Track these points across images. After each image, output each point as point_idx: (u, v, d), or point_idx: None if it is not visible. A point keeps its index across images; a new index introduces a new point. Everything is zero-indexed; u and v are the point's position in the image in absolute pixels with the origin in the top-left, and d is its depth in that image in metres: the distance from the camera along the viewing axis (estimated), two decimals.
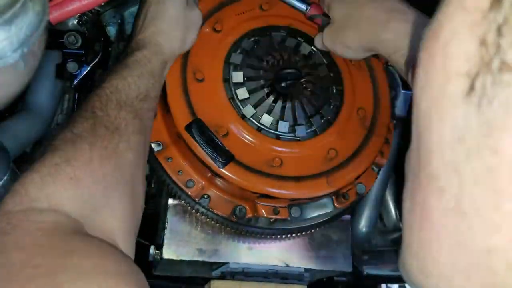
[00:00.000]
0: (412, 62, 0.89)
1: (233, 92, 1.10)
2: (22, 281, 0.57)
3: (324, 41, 1.09)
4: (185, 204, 1.10)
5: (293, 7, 1.13)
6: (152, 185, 1.64)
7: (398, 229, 1.59)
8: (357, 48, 1.03)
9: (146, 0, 1.00)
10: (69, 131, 0.77)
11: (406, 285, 2.12)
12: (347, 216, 1.22)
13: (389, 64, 1.21)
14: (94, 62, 1.29)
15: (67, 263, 0.60)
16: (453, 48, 0.33)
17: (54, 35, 1.23)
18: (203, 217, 1.11)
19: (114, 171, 0.77)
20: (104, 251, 0.66)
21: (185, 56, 1.09)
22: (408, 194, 0.42)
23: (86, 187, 0.73)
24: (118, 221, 0.75)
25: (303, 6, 1.13)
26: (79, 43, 1.25)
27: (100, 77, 0.93)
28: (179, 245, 1.11)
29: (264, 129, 1.09)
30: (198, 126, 1.03)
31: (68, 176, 0.71)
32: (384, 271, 1.59)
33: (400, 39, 0.91)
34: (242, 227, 1.11)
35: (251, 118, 1.09)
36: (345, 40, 1.04)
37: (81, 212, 0.70)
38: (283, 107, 1.11)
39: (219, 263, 1.16)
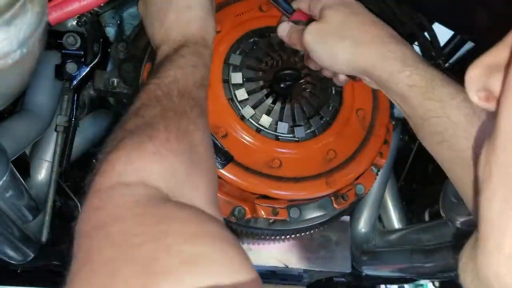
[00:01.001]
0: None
1: (232, 93, 1.10)
2: (127, 250, 0.57)
3: (304, 36, 0.94)
4: None
5: (278, 8, 1.04)
6: None
7: (397, 230, 1.59)
8: (346, 61, 0.93)
9: None
10: (140, 118, 0.79)
11: (405, 285, 2.12)
12: (346, 217, 1.22)
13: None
14: (93, 63, 1.29)
15: (170, 229, 0.60)
16: None
17: (53, 36, 1.23)
18: None
19: (190, 149, 0.78)
20: (203, 217, 0.66)
21: None
22: (497, 194, 0.40)
23: (170, 163, 0.73)
24: (202, 195, 0.76)
25: (289, 9, 1.02)
26: (78, 44, 1.25)
27: (151, 72, 0.92)
28: None
29: (263, 130, 1.09)
30: None
31: (152, 151, 0.72)
32: (383, 272, 1.60)
33: (407, 59, 0.87)
34: (241, 227, 1.11)
35: (250, 119, 1.09)
36: (335, 48, 0.93)
37: (167, 186, 0.70)
38: (282, 108, 1.11)
39: None
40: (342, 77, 0.99)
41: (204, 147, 0.83)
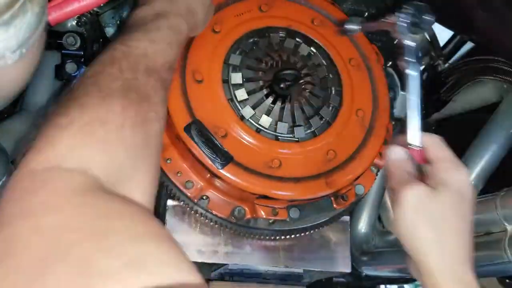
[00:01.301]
0: None
1: (232, 93, 1.09)
2: (63, 249, 0.50)
3: (403, 194, 0.81)
4: (184, 205, 1.10)
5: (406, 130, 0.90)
6: None
7: None
8: (410, 242, 0.85)
9: None
10: (95, 87, 0.70)
11: (405, 286, 2.12)
12: (346, 217, 1.22)
13: (388, 65, 1.20)
14: None
15: (113, 225, 0.54)
16: None
17: (53, 36, 1.23)
18: (202, 218, 1.11)
19: (143, 141, 0.71)
20: (147, 215, 0.60)
21: (184, 57, 1.08)
22: None
23: (117, 154, 0.66)
24: (141, 195, 0.68)
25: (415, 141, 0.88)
26: (78, 44, 1.25)
27: (123, 27, 0.86)
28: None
29: (263, 130, 1.09)
30: (197, 127, 1.03)
31: (101, 138, 0.65)
32: (383, 272, 1.60)
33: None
34: (241, 228, 1.11)
35: (250, 119, 1.09)
36: (417, 231, 0.83)
37: (108, 179, 0.63)
38: (282, 108, 1.11)
39: (218, 264, 1.16)
40: None
41: (158, 140, 0.75)
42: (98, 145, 0.64)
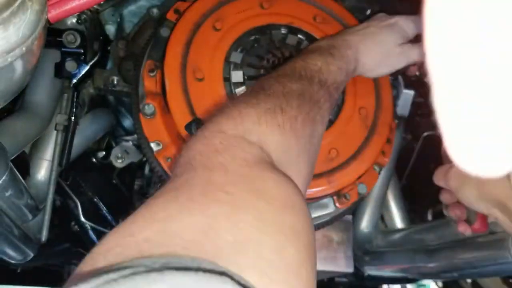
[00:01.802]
0: None
1: (233, 91, 1.09)
2: (209, 200, 0.59)
3: (449, 178, 1.00)
4: None
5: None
6: (152, 185, 1.64)
7: (399, 229, 1.59)
8: (482, 197, 0.94)
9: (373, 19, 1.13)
10: (280, 85, 0.83)
11: (408, 285, 2.11)
12: (349, 217, 1.21)
13: None
14: (93, 61, 1.28)
15: (252, 204, 0.61)
16: None
17: (52, 33, 1.22)
18: None
19: (309, 136, 0.82)
20: (292, 205, 0.66)
21: (185, 55, 1.08)
22: None
23: (289, 140, 0.77)
24: (301, 181, 0.77)
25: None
26: (78, 42, 1.24)
27: (298, 54, 1.03)
28: None
29: None
30: (198, 126, 1.02)
31: (277, 122, 0.76)
32: (386, 272, 1.59)
33: None
34: None
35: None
36: (474, 184, 0.95)
37: (278, 159, 0.73)
38: None
39: None
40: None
41: (318, 142, 0.87)
42: (276, 128, 0.76)
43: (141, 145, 1.09)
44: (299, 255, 0.58)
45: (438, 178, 1.04)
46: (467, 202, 0.98)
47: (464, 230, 1.05)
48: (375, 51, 1.06)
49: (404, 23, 1.10)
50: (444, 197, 1.06)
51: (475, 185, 0.95)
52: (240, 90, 1.09)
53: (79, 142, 1.35)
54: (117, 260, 0.49)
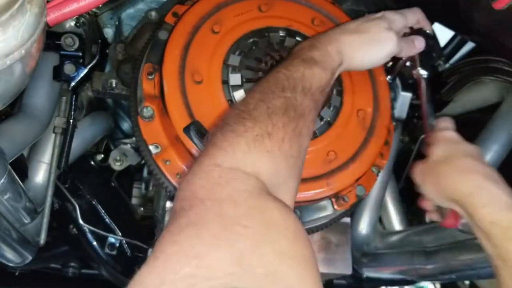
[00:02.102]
0: None
1: (232, 94, 1.09)
2: (231, 235, 0.64)
3: (414, 174, 1.10)
4: None
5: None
6: (150, 188, 1.64)
7: (397, 231, 1.59)
8: (440, 194, 1.04)
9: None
10: (264, 105, 0.85)
11: (406, 287, 2.11)
12: (347, 219, 1.21)
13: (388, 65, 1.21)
14: (91, 64, 1.28)
15: (270, 236, 0.66)
16: None
17: (51, 37, 1.22)
18: None
19: (297, 153, 0.84)
20: (297, 233, 0.71)
21: (183, 57, 1.08)
22: None
23: (278, 163, 0.80)
24: (290, 198, 0.82)
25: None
26: (77, 45, 1.24)
27: (283, 59, 1.04)
28: None
29: None
30: (196, 128, 1.02)
31: (266, 149, 0.79)
32: (384, 274, 1.59)
33: (491, 197, 0.93)
34: None
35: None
36: (432, 183, 1.05)
37: (270, 184, 0.77)
38: None
39: None
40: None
41: (304, 153, 0.89)
42: (265, 154, 0.78)
43: (140, 148, 1.09)
44: (314, 279, 0.65)
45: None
46: (429, 197, 1.08)
47: (429, 218, 1.13)
48: (360, 40, 1.04)
49: (390, 15, 1.09)
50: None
51: (432, 183, 1.04)
52: (238, 92, 1.09)
53: (78, 145, 1.35)
54: None
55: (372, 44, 1.05)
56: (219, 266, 0.60)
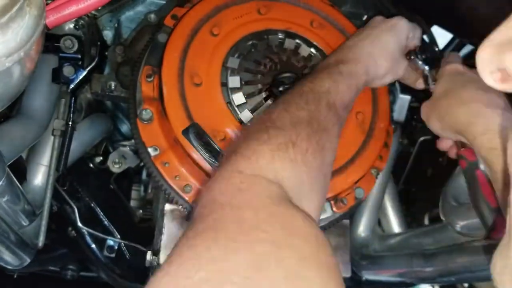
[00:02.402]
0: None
1: (230, 97, 1.09)
2: (249, 239, 0.63)
3: (421, 112, 1.10)
4: (182, 209, 1.09)
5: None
6: (149, 191, 1.64)
7: (396, 234, 1.59)
8: (444, 127, 1.04)
9: (373, 23, 1.13)
10: (288, 115, 0.84)
11: None
12: (346, 221, 1.21)
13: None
14: (90, 66, 1.28)
15: (291, 242, 0.64)
16: None
17: (50, 39, 1.22)
18: None
19: (319, 166, 0.83)
20: (319, 240, 0.69)
21: (182, 60, 1.08)
22: None
23: (301, 173, 0.78)
24: (313, 212, 0.80)
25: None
26: (76, 47, 1.24)
27: (308, 73, 1.06)
28: None
29: None
30: (195, 131, 1.02)
31: (289, 157, 0.77)
32: (383, 277, 1.59)
33: (490, 124, 0.92)
34: None
35: (248, 123, 1.08)
36: (436, 117, 1.05)
37: (293, 194, 0.75)
38: None
39: None
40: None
41: (328, 170, 0.88)
42: (288, 163, 0.77)
43: (139, 150, 1.09)
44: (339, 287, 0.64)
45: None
46: (435, 132, 1.07)
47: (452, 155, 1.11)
48: (383, 60, 1.06)
49: (403, 24, 1.10)
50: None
51: (436, 118, 1.03)
52: (237, 95, 1.09)
53: (76, 147, 1.35)
54: None
55: (393, 68, 1.09)
56: (235, 271, 0.58)
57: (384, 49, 1.06)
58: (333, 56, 1.04)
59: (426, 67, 1.14)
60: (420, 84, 1.17)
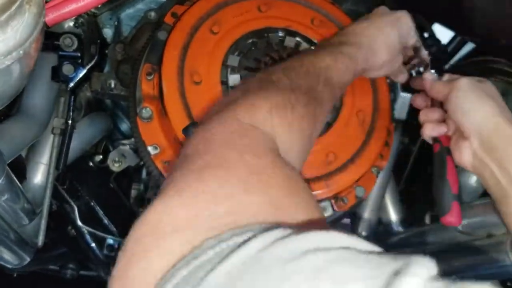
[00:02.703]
0: None
1: None
2: (260, 182, 0.61)
3: (454, 92, 1.02)
4: None
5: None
6: (149, 189, 1.63)
7: (397, 233, 1.58)
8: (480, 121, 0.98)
9: (378, 13, 1.11)
10: (288, 80, 0.84)
11: None
12: (347, 220, 1.21)
13: None
14: (90, 65, 1.28)
15: (296, 190, 0.65)
16: None
17: (50, 37, 1.22)
18: None
19: (309, 137, 0.83)
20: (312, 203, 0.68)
21: (182, 58, 1.07)
22: None
23: (293, 139, 0.78)
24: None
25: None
26: (75, 45, 1.24)
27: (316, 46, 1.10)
28: None
29: None
30: (195, 129, 1.01)
31: (287, 119, 0.77)
32: None
33: None
34: None
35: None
36: (477, 105, 0.99)
37: (282, 153, 0.74)
38: None
39: None
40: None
41: (313, 143, 0.88)
42: (286, 124, 0.76)
43: (138, 149, 1.09)
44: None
45: (416, 83, 1.15)
46: (454, 109, 1.01)
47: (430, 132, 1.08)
48: (383, 52, 1.05)
49: (407, 19, 1.09)
50: (417, 101, 1.14)
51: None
52: None
53: (76, 146, 1.35)
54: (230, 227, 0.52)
55: (391, 61, 1.08)
56: (257, 209, 0.56)
57: (385, 42, 1.05)
58: (336, 38, 1.04)
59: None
60: (402, 78, 1.18)
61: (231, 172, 0.61)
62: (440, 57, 1.15)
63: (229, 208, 0.55)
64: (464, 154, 0.99)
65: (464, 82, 1.00)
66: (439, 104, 1.07)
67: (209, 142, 0.68)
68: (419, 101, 1.13)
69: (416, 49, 1.16)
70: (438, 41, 1.20)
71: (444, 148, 1.05)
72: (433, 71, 1.11)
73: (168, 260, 0.50)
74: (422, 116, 1.09)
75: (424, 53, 1.15)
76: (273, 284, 0.43)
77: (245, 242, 0.48)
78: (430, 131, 1.07)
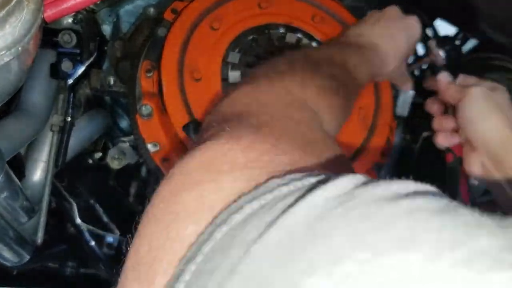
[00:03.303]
0: None
1: None
2: (315, 151, 0.58)
3: (470, 100, 0.98)
4: None
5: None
6: (149, 187, 1.63)
7: None
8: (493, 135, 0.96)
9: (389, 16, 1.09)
10: (328, 69, 0.84)
11: None
12: None
13: None
14: (89, 61, 1.27)
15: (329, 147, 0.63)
16: None
17: (48, 33, 1.21)
18: None
19: (341, 125, 0.85)
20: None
21: (182, 55, 1.07)
22: None
23: (334, 123, 0.78)
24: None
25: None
26: (74, 42, 1.23)
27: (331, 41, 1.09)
28: None
29: None
30: (195, 126, 1.01)
31: (331, 102, 0.77)
32: None
33: None
34: None
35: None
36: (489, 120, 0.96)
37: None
38: None
39: None
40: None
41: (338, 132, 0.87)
42: (329, 110, 0.76)
43: (138, 146, 1.08)
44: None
45: (429, 84, 1.12)
46: (463, 118, 0.99)
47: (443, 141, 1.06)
48: (392, 60, 1.04)
49: (418, 28, 1.09)
50: (431, 107, 1.11)
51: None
52: None
53: (75, 143, 1.34)
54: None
55: (397, 69, 1.09)
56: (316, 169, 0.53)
57: (396, 50, 1.05)
58: (353, 38, 1.04)
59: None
60: (407, 87, 1.18)
61: (289, 137, 0.58)
62: (454, 57, 1.14)
63: (290, 160, 0.51)
64: (474, 165, 0.97)
65: (477, 91, 0.97)
66: (453, 109, 1.04)
67: (264, 106, 0.67)
68: (434, 107, 1.09)
69: (428, 49, 1.15)
70: (452, 39, 1.20)
71: (457, 159, 1.03)
72: (446, 72, 1.07)
73: (224, 196, 0.45)
74: (435, 125, 1.07)
75: (438, 53, 1.13)
76: (387, 219, 0.38)
77: (326, 180, 0.42)
78: (443, 141, 1.05)
